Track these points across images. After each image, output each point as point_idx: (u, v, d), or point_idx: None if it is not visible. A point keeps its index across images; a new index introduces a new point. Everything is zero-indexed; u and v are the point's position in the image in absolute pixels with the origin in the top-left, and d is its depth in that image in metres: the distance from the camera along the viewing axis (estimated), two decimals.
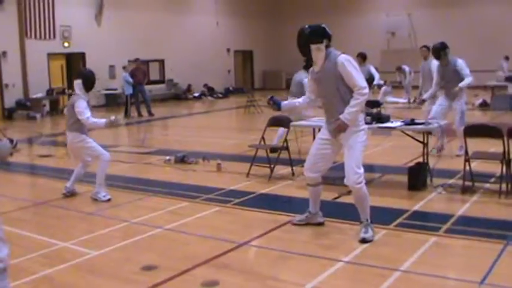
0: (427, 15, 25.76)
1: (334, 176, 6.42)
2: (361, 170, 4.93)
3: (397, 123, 6.98)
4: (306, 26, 5.05)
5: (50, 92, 19.20)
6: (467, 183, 6.63)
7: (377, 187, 6.98)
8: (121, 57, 20.63)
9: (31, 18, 18.79)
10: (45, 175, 8.89)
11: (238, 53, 28.99)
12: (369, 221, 5.04)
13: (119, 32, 21.55)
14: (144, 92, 17.93)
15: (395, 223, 5.50)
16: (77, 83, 6.72)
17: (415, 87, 13.67)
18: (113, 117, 6.57)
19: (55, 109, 19.29)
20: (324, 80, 5.03)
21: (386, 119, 7.09)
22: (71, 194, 7.08)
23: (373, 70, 11.91)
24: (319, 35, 4.97)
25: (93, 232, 5.55)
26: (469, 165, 6.61)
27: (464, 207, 6.05)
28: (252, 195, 6.89)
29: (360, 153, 4.97)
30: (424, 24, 25.40)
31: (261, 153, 7.97)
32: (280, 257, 4.71)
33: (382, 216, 5.60)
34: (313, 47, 4.96)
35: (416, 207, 6.08)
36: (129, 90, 17.68)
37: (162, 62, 24.47)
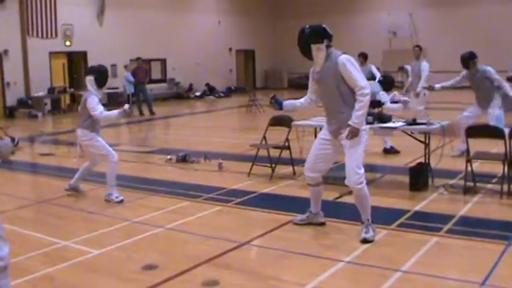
0: (428, 15, 25.75)
1: (336, 176, 6.41)
2: (362, 171, 4.92)
3: (398, 124, 6.98)
4: (307, 26, 5.04)
5: (51, 90, 19.22)
6: (469, 183, 6.62)
7: (378, 187, 6.98)
8: (123, 56, 20.65)
9: (33, 17, 18.81)
10: (46, 173, 8.90)
11: (240, 53, 28.97)
12: (370, 221, 5.04)
13: (120, 30, 21.57)
14: (145, 91, 17.94)
15: (396, 223, 5.50)
16: (89, 79, 6.64)
17: None
18: (126, 106, 6.54)
19: (56, 108, 19.31)
20: (325, 80, 5.02)
21: (388, 119, 7.09)
22: (73, 191, 7.06)
23: (374, 70, 11.89)
24: (319, 35, 4.97)
25: (94, 231, 5.55)
26: (471, 165, 6.60)
27: (466, 207, 6.04)
28: (253, 195, 6.89)
29: (360, 154, 4.96)
30: (426, 24, 25.40)
31: (263, 152, 7.96)
32: (281, 257, 4.71)
33: (384, 217, 5.59)
34: (313, 47, 4.96)
35: (417, 208, 6.07)
36: (130, 89, 17.70)
37: (163, 61, 24.48)
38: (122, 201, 6.65)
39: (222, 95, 25.53)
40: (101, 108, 6.51)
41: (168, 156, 9.38)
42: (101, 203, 6.67)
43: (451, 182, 7.04)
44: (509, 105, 8.49)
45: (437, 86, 9.33)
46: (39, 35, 19.08)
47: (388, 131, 7.14)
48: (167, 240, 5.30)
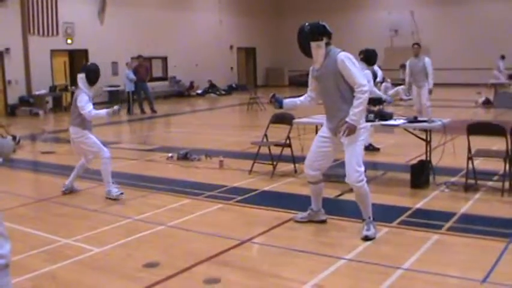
0: (429, 13, 25.73)
1: (337, 174, 6.41)
2: (362, 168, 4.92)
3: (399, 121, 6.97)
4: (306, 24, 5.03)
5: (53, 88, 19.23)
6: (470, 181, 6.62)
7: (380, 185, 6.97)
8: (124, 54, 20.63)
9: (34, 15, 18.82)
10: (47, 172, 8.90)
11: (241, 50, 28.97)
12: (371, 218, 5.04)
13: (121, 29, 21.56)
14: (146, 89, 17.94)
15: (397, 221, 5.50)
16: (80, 77, 6.67)
17: None
18: (116, 107, 6.64)
19: (58, 106, 19.32)
20: (324, 78, 5.02)
21: (389, 116, 7.08)
22: (69, 192, 7.07)
23: (375, 68, 11.91)
24: (319, 32, 4.96)
25: (96, 229, 5.56)
26: (472, 163, 6.60)
27: (467, 205, 6.04)
28: (254, 193, 6.89)
29: (360, 152, 4.97)
30: (427, 22, 25.39)
31: (264, 150, 7.97)
32: (282, 255, 4.71)
33: (385, 214, 5.59)
34: (313, 44, 4.95)
35: (418, 205, 6.07)
36: (130, 87, 17.68)
37: (165, 59, 24.47)
38: (121, 194, 6.67)
39: (223, 92, 25.52)
40: (90, 107, 6.55)
41: (169, 154, 9.38)
42: (102, 200, 6.67)
43: (452, 179, 7.04)
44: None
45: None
46: (41, 33, 19.09)
47: (389, 128, 7.13)
48: (168, 238, 5.31)
